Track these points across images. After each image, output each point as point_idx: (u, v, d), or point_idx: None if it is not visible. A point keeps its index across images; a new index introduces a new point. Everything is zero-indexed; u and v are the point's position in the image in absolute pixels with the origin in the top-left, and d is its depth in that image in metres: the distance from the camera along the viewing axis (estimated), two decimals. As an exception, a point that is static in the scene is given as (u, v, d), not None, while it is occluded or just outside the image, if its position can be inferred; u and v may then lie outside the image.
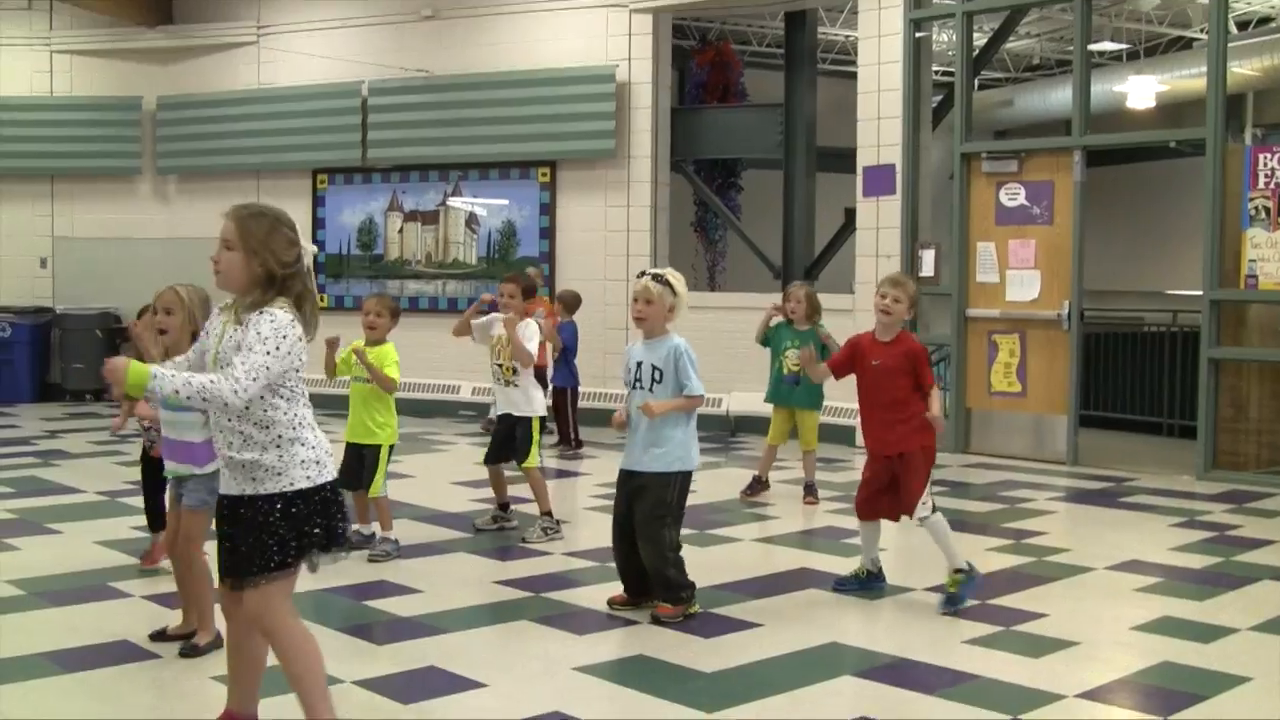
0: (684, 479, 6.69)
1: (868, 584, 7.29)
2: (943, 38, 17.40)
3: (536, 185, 15.33)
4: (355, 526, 7.45)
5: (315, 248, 4.67)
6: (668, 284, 6.69)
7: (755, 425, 13.86)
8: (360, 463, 7.93)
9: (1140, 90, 19.60)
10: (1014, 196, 12.56)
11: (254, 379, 4.24)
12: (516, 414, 8.61)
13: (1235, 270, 11.33)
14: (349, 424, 8.04)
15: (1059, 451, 12.45)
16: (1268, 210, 11.07)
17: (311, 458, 4.43)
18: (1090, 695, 5.50)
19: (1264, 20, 19.59)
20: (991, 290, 12.68)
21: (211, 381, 4.22)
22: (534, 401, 8.64)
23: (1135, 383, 14.70)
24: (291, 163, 16.42)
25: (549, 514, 8.57)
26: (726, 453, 12.81)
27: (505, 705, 5.25)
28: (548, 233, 15.20)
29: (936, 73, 17.04)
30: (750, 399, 13.84)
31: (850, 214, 14.38)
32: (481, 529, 8.77)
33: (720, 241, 19.80)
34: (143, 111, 17.03)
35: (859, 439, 10.71)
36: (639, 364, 6.74)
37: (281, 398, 4.40)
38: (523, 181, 15.43)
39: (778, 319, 10.27)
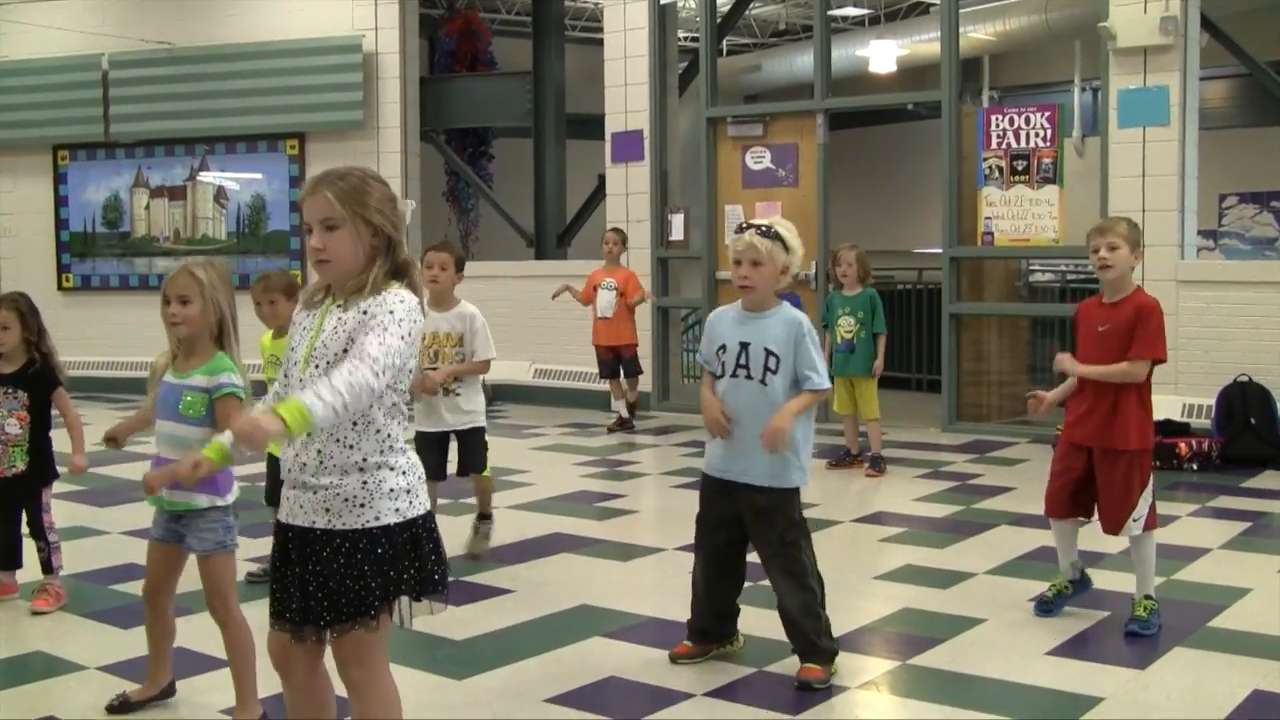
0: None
1: (1074, 595, 6.10)
2: (689, 4, 17.56)
3: (285, 158, 15.09)
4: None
5: (411, 202, 3.82)
6: (778, 237, 5.29)
7: (514, 394, 13.93)
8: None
9: (881, 54, 20.10)
10: (759, 160, 12.78)
11: (391, 360, 3.43)
12: (465, 426, 7.61)
13: (973, 228, 11.72)
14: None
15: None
16: (1000, 169, 11.46)
17: (402, 486, 3.61)
18: (833, 644, 5.65)
19: (998, -15, 20.20)
20: (741, 253, 12.84)
21: (349, 372, 3.36)
22: (480, 405, 7.71)
23: (887, 339, 14.98)
24: (29, 139, 15.86)
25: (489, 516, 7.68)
26: (486, 421, 12.73)
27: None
28: (298, 206, 14.92)
29: (683, 38, 17.20)
30: (508, 368, 13.86)
31: (603, 180, 14.49)
32: None
33: (473, 211, 19.74)
34: None
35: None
36: (743, 345, 5.25)
37: (380, 410, 3.57)
38: (271, 154, 15.17)
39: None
